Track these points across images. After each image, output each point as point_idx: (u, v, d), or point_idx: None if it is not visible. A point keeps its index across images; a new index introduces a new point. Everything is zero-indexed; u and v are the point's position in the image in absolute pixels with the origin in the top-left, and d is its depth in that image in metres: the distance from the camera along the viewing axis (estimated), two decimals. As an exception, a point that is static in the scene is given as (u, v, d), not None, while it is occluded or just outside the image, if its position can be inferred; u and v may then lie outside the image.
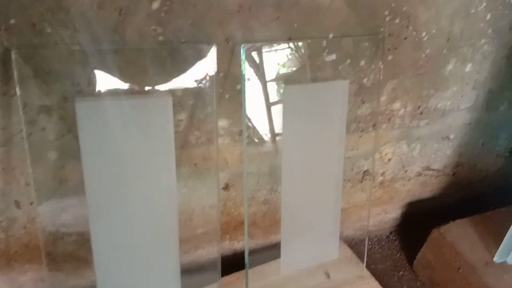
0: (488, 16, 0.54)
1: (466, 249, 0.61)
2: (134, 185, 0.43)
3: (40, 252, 0.46)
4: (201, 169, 0.50)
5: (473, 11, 0.53)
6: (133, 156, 0.42)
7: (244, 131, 0.48)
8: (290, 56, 0.46)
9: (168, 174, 0.44)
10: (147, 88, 0.42)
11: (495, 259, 0.59)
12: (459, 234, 0.63)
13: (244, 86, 0.45)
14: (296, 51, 0.46)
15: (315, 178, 0.52)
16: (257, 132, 0.51)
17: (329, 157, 0.52)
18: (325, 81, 0.49)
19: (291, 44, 0.46)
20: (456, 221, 0.65)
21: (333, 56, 0.48)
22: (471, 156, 0.72)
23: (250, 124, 0.49)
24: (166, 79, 0.43)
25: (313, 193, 0.53)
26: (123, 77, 0.41)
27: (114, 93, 0.41)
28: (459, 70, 0.58)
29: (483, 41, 0.57)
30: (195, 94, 0.45)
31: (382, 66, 0.52)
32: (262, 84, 0.47)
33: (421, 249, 0.65)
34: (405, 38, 0.51)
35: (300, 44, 0.46)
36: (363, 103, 0.55)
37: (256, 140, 0.51)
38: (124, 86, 0.41)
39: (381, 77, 0.53)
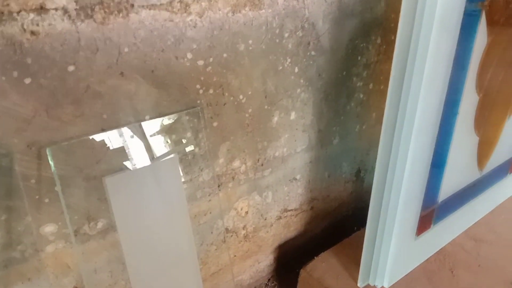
0: (296, 69, 0.60)
1: (332, 282, 0.64)
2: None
3: None
4: (38, 282, 0.46)
5: (280, 68, 0.58)
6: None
7: (70, 230, 0.45)
8: (107, 146, 0.45)
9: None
10: None
11: (358, 284, 0.63)
12: (324, 268, 0.67)
13: (60, 187, 0.42)
14: (111, 140, 0.45)
15: (164, 260, 0.51)
16: (94, 227, 0.48)
17: (175, 234, 0.51)
18: (153, 161, 0.49)
19: (104, 135, 0.44)
20: (320, 255, 0.69)
21: (157, 136, 0.48)
22: (322, 189, 0.78)
23: (83, 220, 0.46)
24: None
25: (167, 275, 0.52)
26: None
27: None
28: (285, 119, 0.63)
29: (298, 90, 0.62)
30: (4, 208, 0.41)
31: (208, 134, 0.53)
32: (79, 180, 0.44)
33: (295, 292, 0.68)
34: (224, 104, 0.54)
35: (115, 131, 0.45)
36: (202, 170, 0.55)
37: (94, 234, 0.48)
38: None
39: (210, 144, 0.54)
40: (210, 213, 0.60)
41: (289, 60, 0.58)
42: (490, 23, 0.55)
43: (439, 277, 0.65)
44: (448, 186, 0.65)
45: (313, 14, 0.58)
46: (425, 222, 0.64)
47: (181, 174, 0.52)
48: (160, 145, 0.49)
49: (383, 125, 0.54)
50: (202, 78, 0.50)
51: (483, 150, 0.69)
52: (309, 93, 0.64)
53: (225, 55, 0.51)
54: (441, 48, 0.49)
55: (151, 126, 0.47)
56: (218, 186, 0.59)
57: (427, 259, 0.69)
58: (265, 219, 0.70)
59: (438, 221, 0.67)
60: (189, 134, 0.52)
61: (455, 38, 0.50)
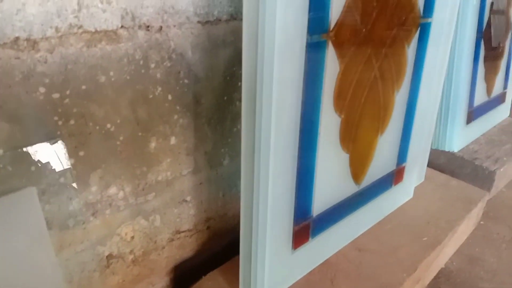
0: (170, 97, 0.63)
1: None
2: None
3: None
4: None
5: (151, 96, 0.60)
6: None
7: None
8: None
9: None
10: None
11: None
12: (210, 287, 0.69)
13: None
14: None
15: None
16: None
17: (35, 267, 0.52)
18: (8, 194, 0.49)
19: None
20: (208, 274, 0.71)
21: (12, 169, 0.49)
22: (218, 208, 0.80)
23: None
24: None
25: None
26: None
27: None
28: (164, 145, 0.65)
29: (175, 116, 0.65)
30: None
31: (74, 163, 0.55)
32: None
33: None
34: (90, 134, 0.55)
35: (-38, 167, 0.46)
36: (71, 199, 0.56)
37: None
38: None
39: (78, 173, 0.56)
40: (88, 240, 0.61)
41: (160, 88, 0.61)
42: (340, 51, 0.61)
43: None
44: (322, 200, 0.69)
45: (180, 46, 0.61)
46: (301, 235, 0.68)
47: (44, 205, 0.53)
48: (15, 178, 0.50)
49: (242, 148, 0.58)
50: (60, 110, 0.51)
51: (357, 165, 0.74)
52: (189, 118, 0.67)
53: (84, 87, 0.53)
54: (287, 77, 0.54)
55: (5, 160, 0.48)
56: (93, 213, 0.60)
57: (311, 271, 0.73)
58: (155, 242, 0.71)
59: (316, 234, 0.71)
60: (50, 165, 0.53)
61: (301, 67, 0.55)
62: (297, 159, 0.61)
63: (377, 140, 0.77)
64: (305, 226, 0.68)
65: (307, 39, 0.54)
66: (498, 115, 1.42)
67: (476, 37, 1.15)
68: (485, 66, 1.25)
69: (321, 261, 0.74)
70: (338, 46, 0.60)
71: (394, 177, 0.87)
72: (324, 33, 0.57)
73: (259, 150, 0.56)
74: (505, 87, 1.43)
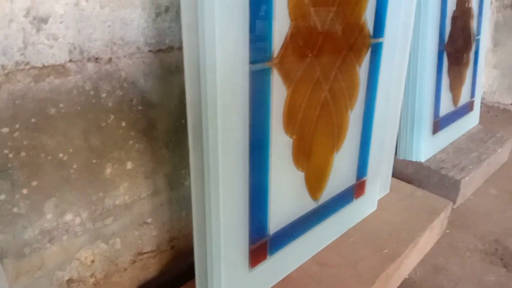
0: (123, 124, 0.65)
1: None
2: None
3: None
4: None
5: (104, 124, 0.62)
6: None
7: None
8: None
9: None
10: None
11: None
12: (170, 306, 0.71)
13: None
14: None
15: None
16: None
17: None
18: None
19: None
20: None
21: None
22: (182, 227, 0.82)
23: None
24: None
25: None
26: None
27: None
28: (121, 170, 0.67)
29: (131, 142, 0.67)
30: None
31: (28, 193, 0.56)
32: None
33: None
34: (42, 164, 0.57)
35: None
36: (25, 228, 0.58)
37: None
38: None
39: (31, 202, 0.57)
40: (45, 266, 0.62)
41: (112, 116, 0.63)
42: (286, 76, 0.63)
43: (276, 304, 0.71)
44: (279, 218, 0.71)
45: (132, 75, 0.63)
46: (258, 254, 0.70)
47: (-5, 235, 0.54)
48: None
49: (191, 172, 0.60)
50: (9, 144, 0.53)
51: (314, 182, 0.77)
52: (145, 143, 0.69)
53: (33, 120, 0.54)
54: (231, 104, 0.56)
55: (-47, 193, 0.50)
56: (50, 240, 0.61)
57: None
58: (117, 265, 0.72)
59: (275, 251, 0.73)
60: (2, 196, 0.54)
61: (245, 94, 0.58)
62: (248, 181, 0.63)
63: (333, 157, 0.79)
64: (262, 245, 0.70)
65: (250, 68, 0.57)
66: (466, 123, 1.46)
67: (438, 49, 1.18)
68: (450, 77, 1.28)
69: (281, 278, 0.76)
70: (283, 72, 0.62)
71: (355, 191, 0.89)
72: (268, 61, 0.60)
73: (208, 174, 0.58)
74: (472, 95, 1.46)
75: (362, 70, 0.78)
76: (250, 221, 0.65)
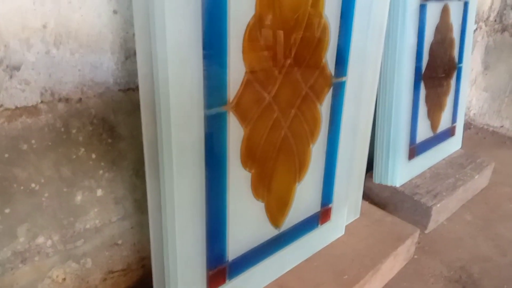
0: (93, 156, 0.71)
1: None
2: None
3: None
4: None
5: (74, 157, 0.68)
6: None
7: None
8: None
9: None
10: None
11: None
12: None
13: None
14: None
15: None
16: None
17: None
18: None
19: None
20: (135, 312, 0.78)
21: None
22: (153, 248, 0.87)
23: None
24: None
25: None
26: None
27: None
28: (91, 197, 0.73)
29: (100, 172, 0.73)
30: None
31: (1, 219, 0.62)
32: None
33: None
34: (14, 193, 0.63)
35: None
36: (3, 248, 0.64)
37: None
38: None
39: (4, 227, 0.63)
40: (17, 284, 0.68)
41: (82, 149, 0.69)
42: (243, 118, 0.68)
43: (231, 326, 0.76)
44: (238, 245, 0.76)
45: (101, 112, 0.69)
46: (217, 279, 0.75)
47: (-31, 258, 0.60)
48: None
49: (148, 204, 0.65)
50: (-16, 183, 0.59)
51: (275, 211, 0.82)
52: (115, 172, 0.75)
53: (6, 155, 0.60)
54: (186, 143, 0.62)
55: None
56: (22, 261, 0.67)
57: (230, 310, 0.79)
58: (87, 282, 0.78)
59: (234, 276, 0.78)
60: (-23, 223, 0.60)
61: (200, 134, 0.63)
62: (205, 211, 0.68)
63: (295, 187, 0.84)
64: (221, 270, 0.75)
65: (205, 112, 0.62)
66: (447, 148, 1.50)
67: (415, 78, 1.23)
68: (428, 105, 1.33)
69: (241, 300, 0.81)
70: (240, 114, 0.68)
71: (320, 217, 0.94)
72: (223, 105, 0.65)
73: (164, 205, 0.64)
74: (454, 121, 1.50)
75: (324, 108, 0.83)
76: (208, 248, 0.71)
